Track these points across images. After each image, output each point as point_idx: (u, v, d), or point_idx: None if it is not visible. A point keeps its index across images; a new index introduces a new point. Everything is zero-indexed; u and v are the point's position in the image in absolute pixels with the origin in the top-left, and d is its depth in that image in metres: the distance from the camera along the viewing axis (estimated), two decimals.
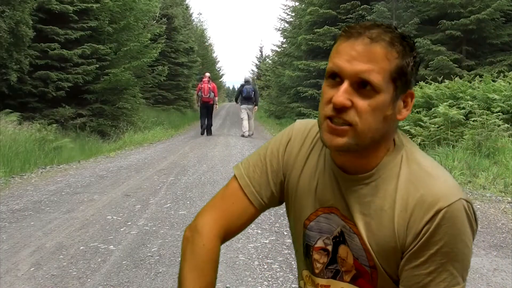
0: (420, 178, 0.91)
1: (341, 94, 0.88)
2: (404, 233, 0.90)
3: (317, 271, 1.05)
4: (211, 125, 15.60)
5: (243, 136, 14.43)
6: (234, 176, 1.10)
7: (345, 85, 0.88)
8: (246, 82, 14.53)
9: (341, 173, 0.98)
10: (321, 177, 1.03)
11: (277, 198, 1.10)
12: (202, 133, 15.35)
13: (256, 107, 14.84)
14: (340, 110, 0.88)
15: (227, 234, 1.07)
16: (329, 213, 1.01)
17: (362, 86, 0.88)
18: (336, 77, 0.90)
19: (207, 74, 15.13)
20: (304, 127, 1.10)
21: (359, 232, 0.95)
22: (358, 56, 0.88)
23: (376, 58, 0.88)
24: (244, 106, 14.20)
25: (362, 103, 0.88)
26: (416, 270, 0.89)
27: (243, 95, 14.17)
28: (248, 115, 14.22)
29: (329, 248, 1.02)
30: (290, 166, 1.08)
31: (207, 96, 14.52)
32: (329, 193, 1.01)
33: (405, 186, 0.92)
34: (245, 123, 14.35)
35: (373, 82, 0.87)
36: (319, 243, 1.04)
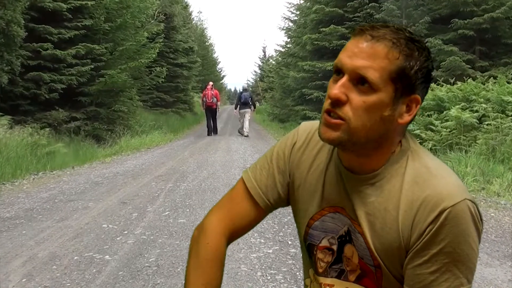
0: (425, 179, 0.94)
1: (338, 87, 0.93)
2: (409, 232, 0.93)
3: (320, 270, 1.09)
4: (216, 125, 18.93)
5: (240, 133, 17.84)
6: (242, 178, 1.17)
7: (344, 79, 0.93)
8: (244, 90, 18.32)
9: (347, 173, 1.03)
10: (328, 176, 1.08)
11: (284, 199, 1.15)
12: (208, 134, 18.21)
13: (254, 110, 19.02)
14: (335, 103, 0.93)
15: (233, 233, 1.14)
16: (335, 213, 1.06)
17: (360, 82, 0.92)
18: (340, 73, 0.95)
19: (210, 83, 18.83)
20: (310, 128, 1.15)
21: (363, 231, 0.99)
22: (359, 52, 0.93)
23: (376, 56, 0.92)
24: (242, 110, 17.66)
25: (357, 99, 0.92)
26: (419, 269, 0.92)
27: (242, 101, 17.68)
28: (245, 117, 17.56)
29: (334, 247, 1.06)
30: (296, 167, 1.13)
31: (211, 101, 17.91)
32: (336, 193, 1.05)
33: (410, 187, 0.95)
34: (242, 124, 17.90)
35: (369, 78, 0.91)
36: (324, 242, 1.08)
